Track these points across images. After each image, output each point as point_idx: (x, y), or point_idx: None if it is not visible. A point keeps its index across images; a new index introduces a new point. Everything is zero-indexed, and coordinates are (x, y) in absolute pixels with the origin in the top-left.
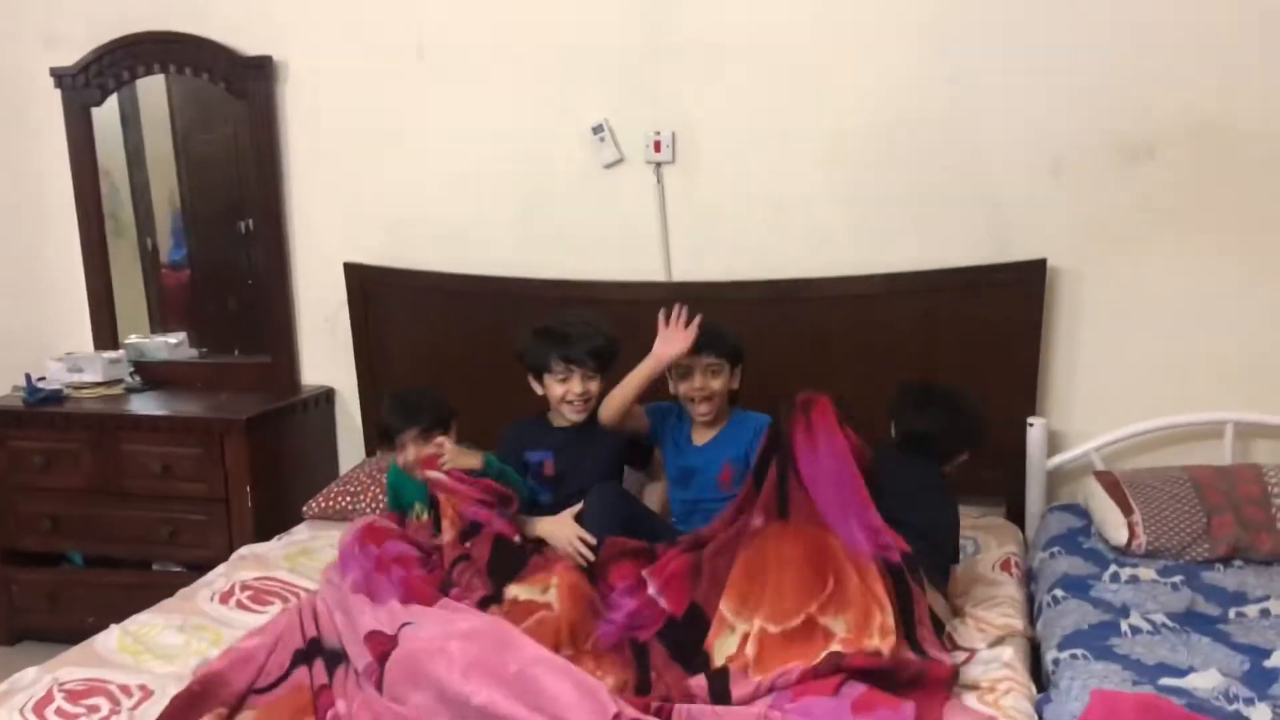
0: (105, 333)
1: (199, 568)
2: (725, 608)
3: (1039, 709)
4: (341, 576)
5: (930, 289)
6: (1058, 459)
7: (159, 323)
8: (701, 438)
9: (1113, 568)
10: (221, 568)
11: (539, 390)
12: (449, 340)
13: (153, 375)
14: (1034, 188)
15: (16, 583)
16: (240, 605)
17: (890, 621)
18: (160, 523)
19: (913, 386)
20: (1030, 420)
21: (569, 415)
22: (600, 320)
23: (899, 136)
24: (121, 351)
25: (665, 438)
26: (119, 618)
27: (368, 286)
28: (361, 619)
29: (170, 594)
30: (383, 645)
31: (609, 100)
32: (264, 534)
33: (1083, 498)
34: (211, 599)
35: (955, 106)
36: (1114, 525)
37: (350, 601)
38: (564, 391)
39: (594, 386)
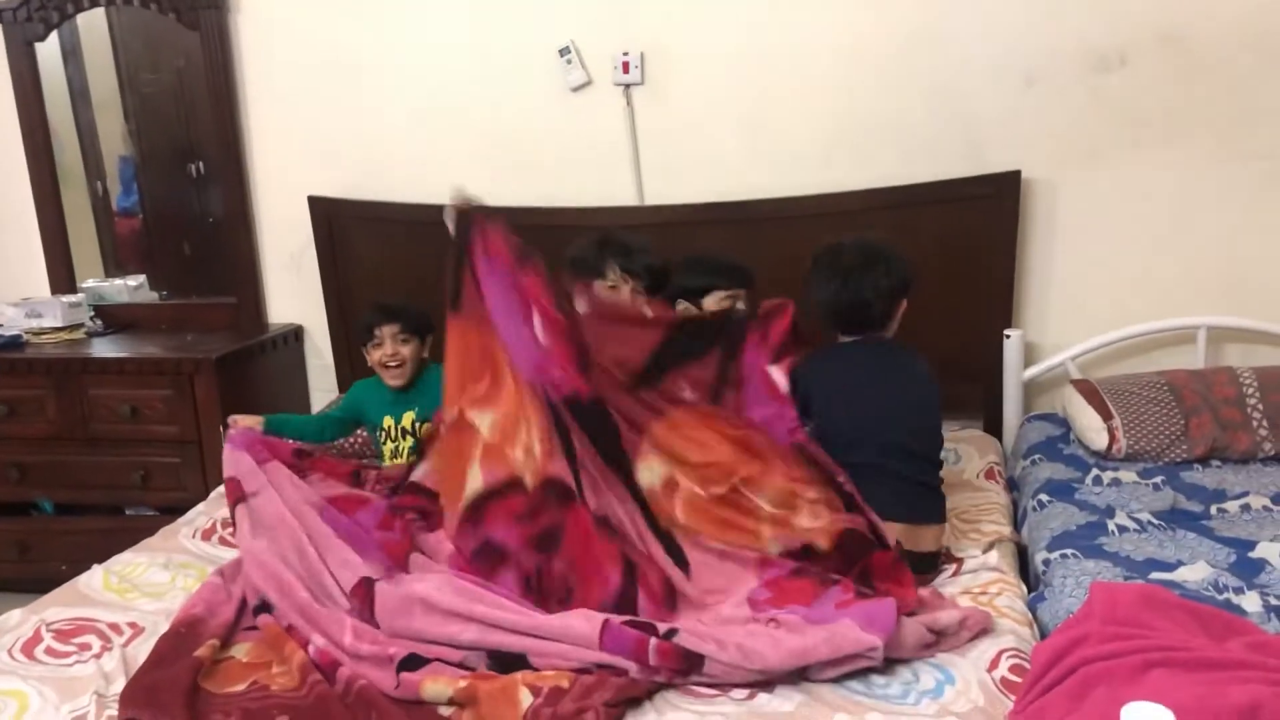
0: (61, 277)
1: (173, 511)
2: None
3: (1032, 608)
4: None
5: (906, 203)
6: (1034, 370)
7: (114, 268)
8: None
9: (1094, 471)
10: (202, 505)
11: None
12: (418, 272)
13: (114, 319)
14: (1007, 100)
15: None
16: (224, 542)
17: (817, 501)
18: (131, 467)
19: (824, 252)
20: (1006, 332)
21: None
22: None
23: (871, 51)
24: (81, 295)
25: None
26: (96, 563)
27: (333, 220)
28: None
29: (144, 538)
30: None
31: (575, 21)
32: None
33: (1060, 406)
34: (194, 536)
35: (927, 20)
36: (1094, 431)
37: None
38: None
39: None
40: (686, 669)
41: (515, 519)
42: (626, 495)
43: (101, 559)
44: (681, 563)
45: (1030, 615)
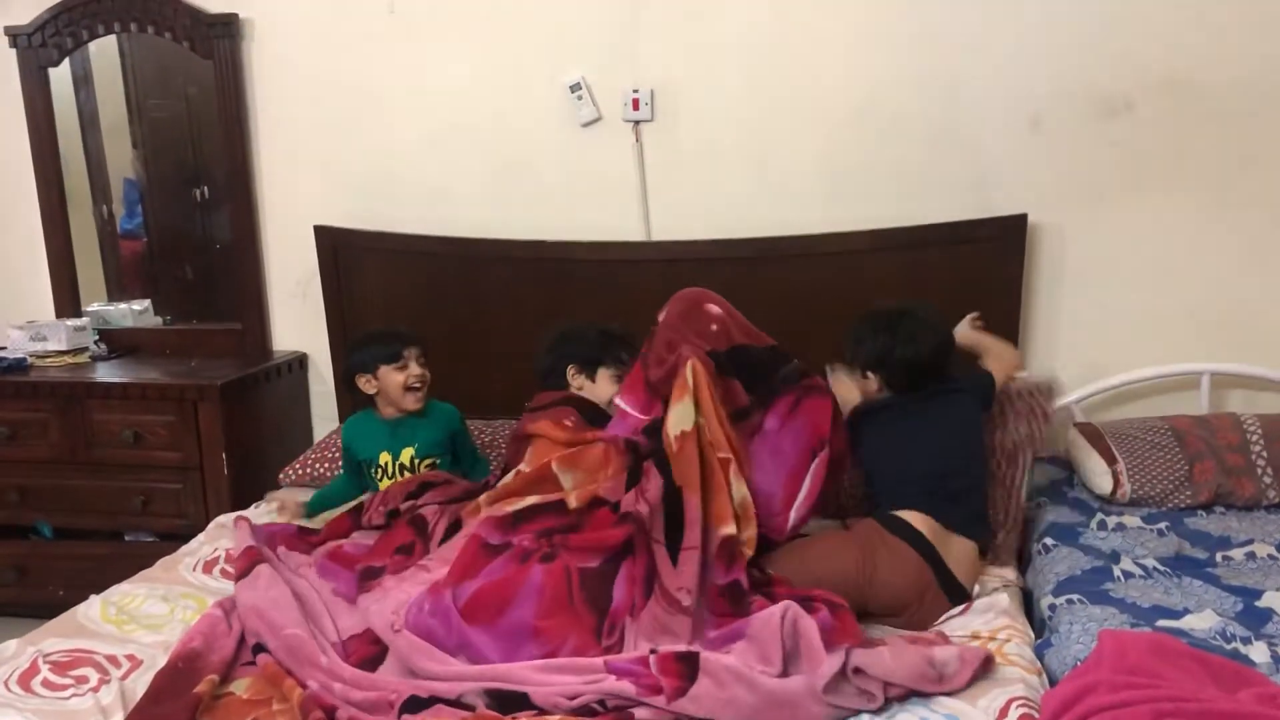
0: (67, 300)
1: (174, 538)
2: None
3: (1039, 654)
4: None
5: (912, 245)
6: None
7: (118, 292)
8: None
9: (1099, 516)
10: (202, 536)
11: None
12: (424, 303)
13: (118, 343)
14: (1013, 143)
15: None
16: (225, 574)
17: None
18: (132, 492)
19: (872, 315)
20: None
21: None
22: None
23: (879, 92)
24: (86, 319)
25: None
26: (91, 590)
27: (340, 250)
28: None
29: (144, 565)
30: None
31: (586, 57)
32: (240, 502)
33: (1065, 449)
34: (195, 568)
35: (934, 62)
36: (1098, 475)
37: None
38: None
39: None
40: (689, 674)
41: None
42: None
43: (100, 584)
44: None
45: (1038, 662)
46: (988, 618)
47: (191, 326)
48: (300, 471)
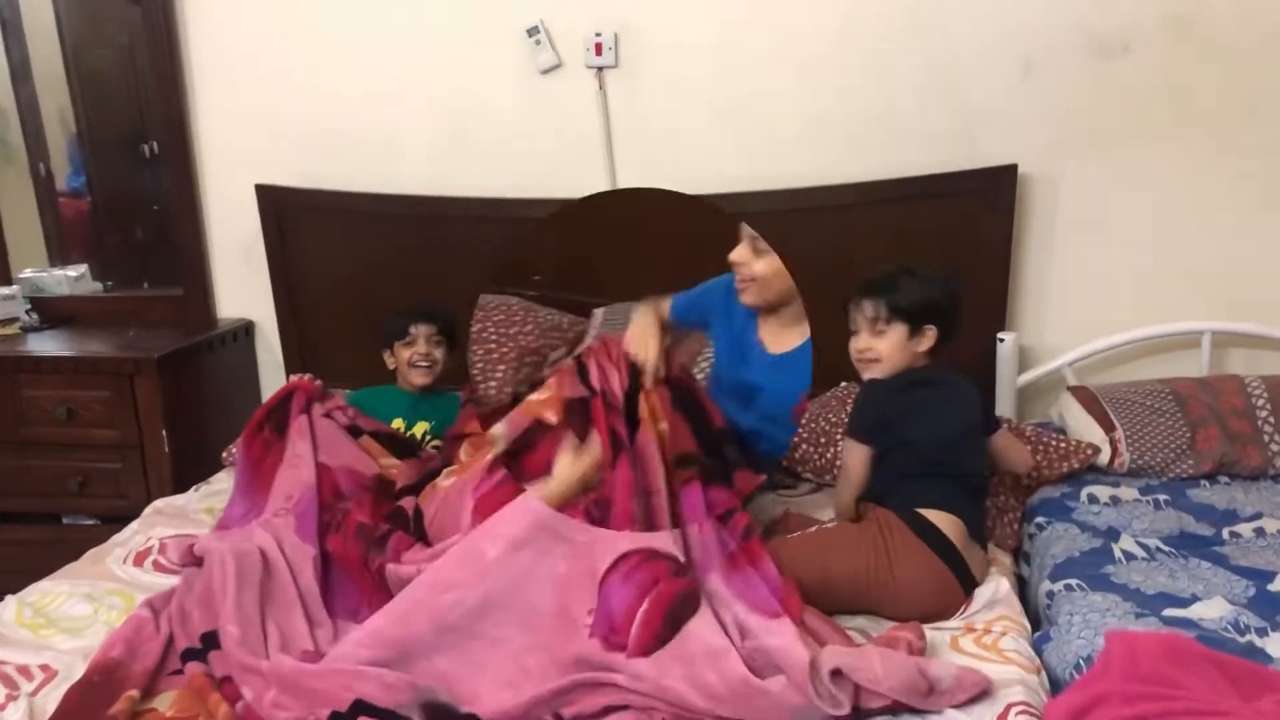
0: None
1: (118, 520)
2: None
3: (1037, 648)
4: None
5: (896, 197)
6: (1029, 375)
7: (58, 255)
8: (779, 343)
9: (1089, 488)
10: (135, 524)
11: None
12: (375, 267)
13: (53, 312)
14: (1004, 88)
15: None
16: (158, 567)
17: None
18: (69, 473)
19: (903, 269)
20: (1000, 335)
21: None
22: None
23: (862, 34)
24: (15, 287)
25: (716, 325)
26: (29, 577)
27: (284, 210)
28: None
29: (84, 549)
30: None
31: None
32: (185, 482)
33: (1057, 414)
34: (125, 560)
35: (920, 2)
36: (1095, 442)
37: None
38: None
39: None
40: (666, 634)
41: None
42: None
43: (37, 571)
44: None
45: (1037, 659)
46: (982, 608)
47: (130, 294)
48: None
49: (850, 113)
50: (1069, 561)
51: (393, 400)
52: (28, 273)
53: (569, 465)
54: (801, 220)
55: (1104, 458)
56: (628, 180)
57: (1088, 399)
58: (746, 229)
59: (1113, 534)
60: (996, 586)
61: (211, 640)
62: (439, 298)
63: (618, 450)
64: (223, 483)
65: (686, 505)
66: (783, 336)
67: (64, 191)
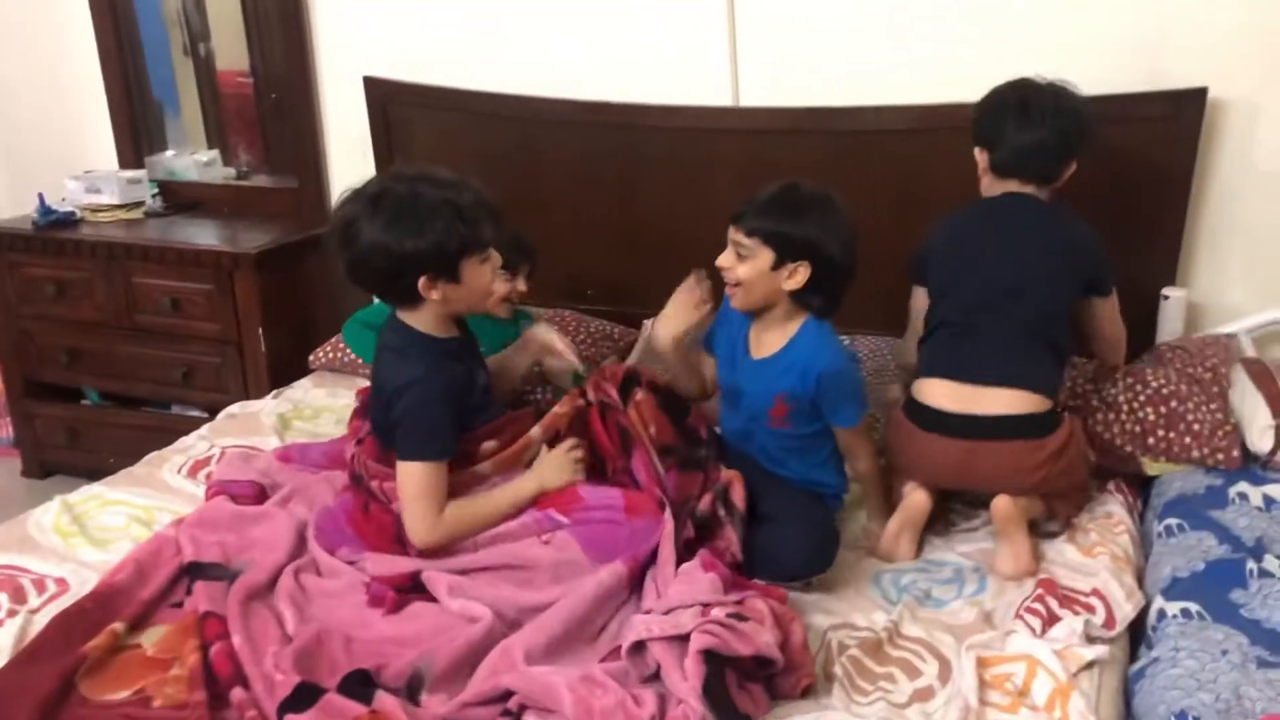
0: (128, 149)
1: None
2: None
3: (1131, 686)
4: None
5: None
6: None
7: (216, 138)
8: (760, 347)
9: (1240, 484)
10: (204, 429)
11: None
12: (477, 168)
13: (180, 198)
14: None
15: (39, 416)
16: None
17: None
18: (174, 363)
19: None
20: (1166, 291)
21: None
22: None
23: None
24: (142, 171)
25: (719, 336)
26: (139, 457)
27: (389, 105)
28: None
29: None
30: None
31: None
32: (281, 380)
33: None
34: (180, 470)
35: None
36: (1258, 428)
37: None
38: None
39: None
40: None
41: None
42: None
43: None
44: None
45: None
46: (1065, 628)
47: (255, 184)
48: (332, 354)
49: (1010, 24)
50: (1193, 576)
51: (494, 330)
52: (158, 156)
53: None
54: (940, 141)
55: (1265, 445)
56: (752, 87)
57: (1261, 375)
58: (733, 232)
59: (1257, 549)
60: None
61: (216, 571)
62: (537, 205)
63: (627, 444)
64: (300, 390)
65: (671, 486)
66: (764, 340)
67: (226, 72)
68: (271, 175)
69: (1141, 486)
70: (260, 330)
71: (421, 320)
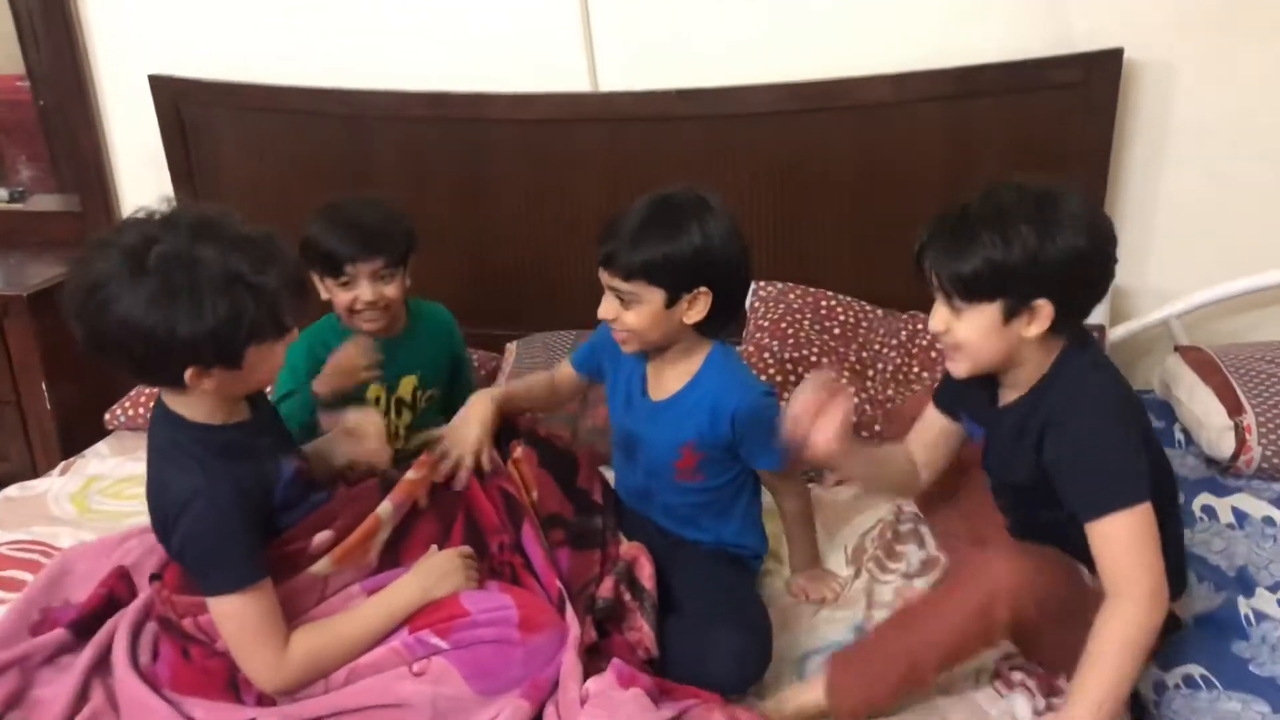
0: None
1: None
2: None
3: None
4: None
5: (959, 93)
6: (1124, 328)
7: None
8: (660, 387)
9: (1204, 495)
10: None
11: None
12: (298, 179)
13: None
14: None
15: None
16: None
17: None
18: None
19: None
20: None
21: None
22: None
23: None
24: None
25: (610, 368)
26: None
27: (183, 107)
28: None
29: None
30: None
31: None
32: (74, 445)
33: (1159, 382)
34: None
35: None
36: (1214, 429)
37: None
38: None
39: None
40: None
41: None
42: None
43: None
44: None
45: None
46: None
47: (25, 207)
48: (132, 411)
49: None
50: (1183, 633)
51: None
52: None
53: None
54: (835, 122)
55: (1225, 449)
56: (612, 70)
57: (1204, 365)
58: (607, 278)
59: (1244, 581)
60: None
61: None
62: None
63: (515, 513)
64: (100, 457)
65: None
66: (665, 378)
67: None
68: (61, 195)
69: None
70: (44, 386)
71: (190, 406)
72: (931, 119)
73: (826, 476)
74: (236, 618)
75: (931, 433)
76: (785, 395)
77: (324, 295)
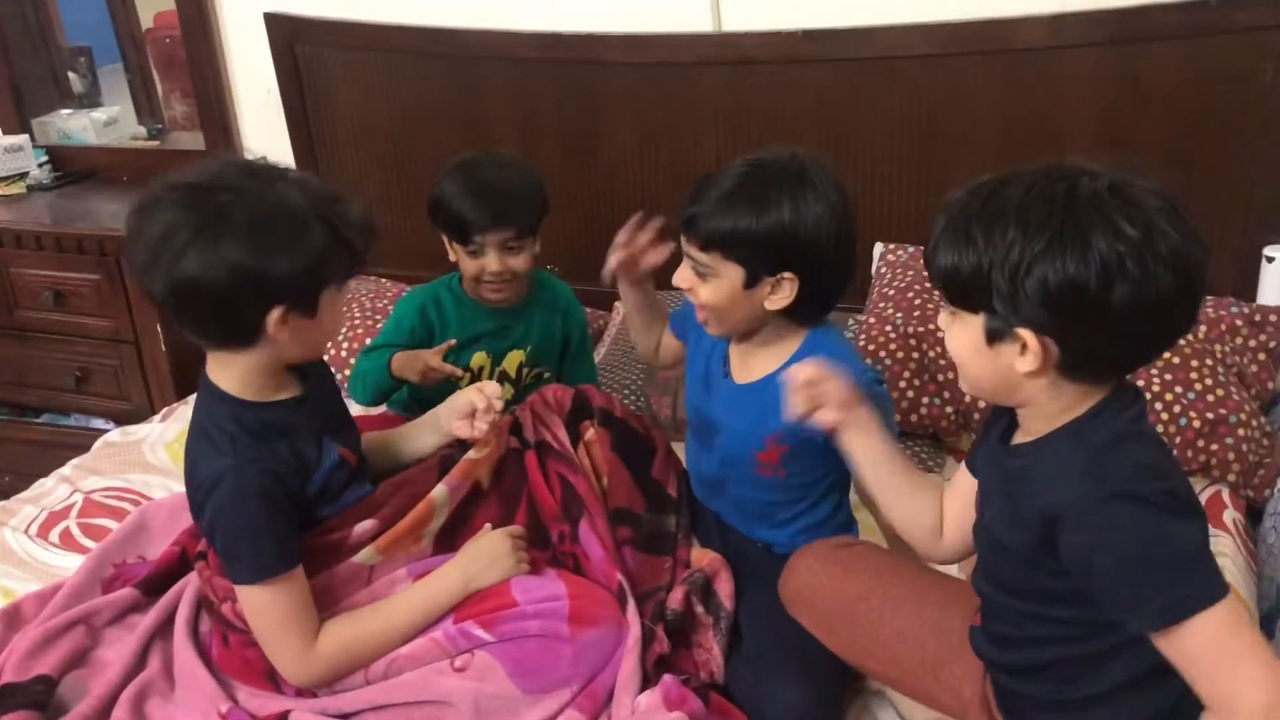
0: (8, 110)
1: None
2: None
3: None
4: None
5: (1119, 38)
6: None
7: (142, 90)
8: (746, 369)
9: None
10: (66, 468)
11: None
12: (408, 119)
13: (72, 165)
14: None
15: None
16: (65, 540)
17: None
18: (64, 367)
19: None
20: (1268, 251)
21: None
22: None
23: None
24: (23, 137)
25: (693, 338)
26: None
27: (298, 46)
28: None
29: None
30: None
31: None
32: (189, 385)
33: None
34: (28, 529)
35: None
36: None
37: None
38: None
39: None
40: None
41: None
42: None
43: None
44: None
45: None
46: None
47: (162, 145)
48: None
49: None
50: None
51: (465, 314)
52: (48, 117)
53: None
54: (968, 70)
55: None
56: (735, 7)
57: None
58: (685, 243)
59: None
60: None
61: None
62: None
63: (574, 506)
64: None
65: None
66: (751, 359)
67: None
68: (193, 134)
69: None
70: (158, 326)
71: (233, 377)
72: (1089, 67)
73: None
74: (261, 609)
75: (961, 489)
76: (905, 375)
77: (450, 257)
